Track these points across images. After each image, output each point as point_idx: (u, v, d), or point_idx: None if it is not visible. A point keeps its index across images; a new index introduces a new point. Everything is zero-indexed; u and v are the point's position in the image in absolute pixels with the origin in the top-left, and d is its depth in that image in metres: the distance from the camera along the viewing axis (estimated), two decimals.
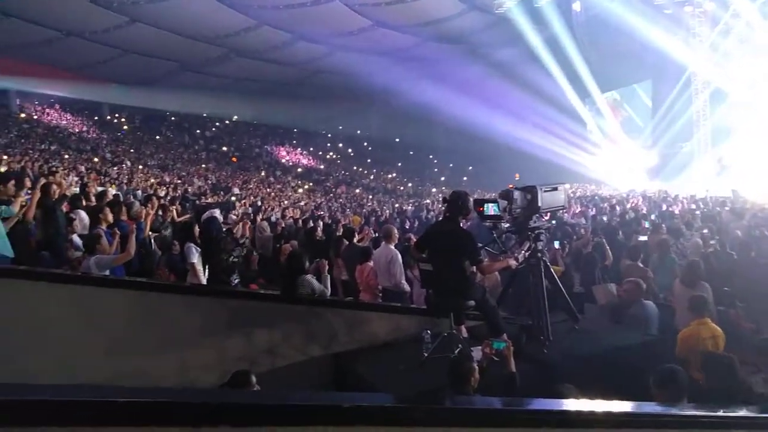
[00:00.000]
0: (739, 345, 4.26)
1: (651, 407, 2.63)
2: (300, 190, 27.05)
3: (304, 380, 4.21)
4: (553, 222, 9.59)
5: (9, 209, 4.96)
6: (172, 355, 3.96)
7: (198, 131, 35.47)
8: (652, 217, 10.04)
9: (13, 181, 5.64)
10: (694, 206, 11.54)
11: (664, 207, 11.90)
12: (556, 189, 4.85)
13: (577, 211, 12.12)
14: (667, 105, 22.53)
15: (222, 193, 19.68)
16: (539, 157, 25.29)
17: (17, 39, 21.86)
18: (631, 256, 6.29)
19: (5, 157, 16.16)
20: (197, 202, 13.88)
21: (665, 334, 4.57)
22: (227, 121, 37.49)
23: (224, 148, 33.91)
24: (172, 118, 35.11)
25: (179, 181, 20.83)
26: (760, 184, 17.18)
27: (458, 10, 23.36)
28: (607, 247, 6.75)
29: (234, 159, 32.49)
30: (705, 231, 8.11)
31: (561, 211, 9.13)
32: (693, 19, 20.39)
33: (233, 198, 16.73)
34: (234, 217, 8.57)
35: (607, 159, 26.10)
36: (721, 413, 2.75)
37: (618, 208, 12.30)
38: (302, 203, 20.33)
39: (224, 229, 6.84)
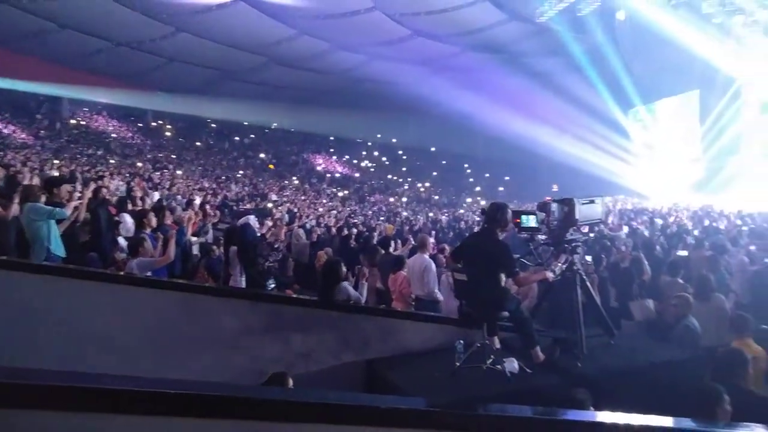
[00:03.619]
0: None
1: (687, 423, 2.58)
2: (335, 198, 27.35)
3: (337, 384, 4.28)
4: (591, 235, 9.44)
5: (62, 212, 5.22)
6: (211, 355, 4.09)
7: (237, 138, 36.35)
8: (696, 232, 9.74)
9: (66, 185, 5.92)
10: (740, 222, 11.12)
11: (707, 222, 11.52)
12: (593, 202, 4.80)
13: (616, 224, 11.88)
14: (714, 116, 21.82)
15: (259, 199, 20.11)
16: (579, 168, 24.86)
17: (70, 49, 22.98)
18: (672, 272, 6.13)
19: (56, 161, 16.97)
20: (235, 208, 14.22)
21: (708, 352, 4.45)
22: (266, 129, 38.32)
23: (262, 155, 34.62)
24: (213, 125, 36.09)
25: (217, 187, 21.39)
26: None
27: (499, 19, 23.27)
28: (645, 262, 6.59)
29: (271, 166, 33.11)
30: (752, 248, 7.85)
31: (600, 224, 9.02)
32: (744, 28, 19.75)
33: (270, 204, 17.06)
34: (269, 223, 8.77)
35: (649, 171, 25.44)
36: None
37: (659, 222, 11.97)
38: (336, 211, 20.54)
39: (259, 235, 7.00)
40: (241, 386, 2.06)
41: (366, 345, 4.51)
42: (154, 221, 6.25)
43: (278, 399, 1.27)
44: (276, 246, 8.02)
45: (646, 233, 10.03)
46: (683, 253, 7.05)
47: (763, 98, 19.87)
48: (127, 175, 17.61)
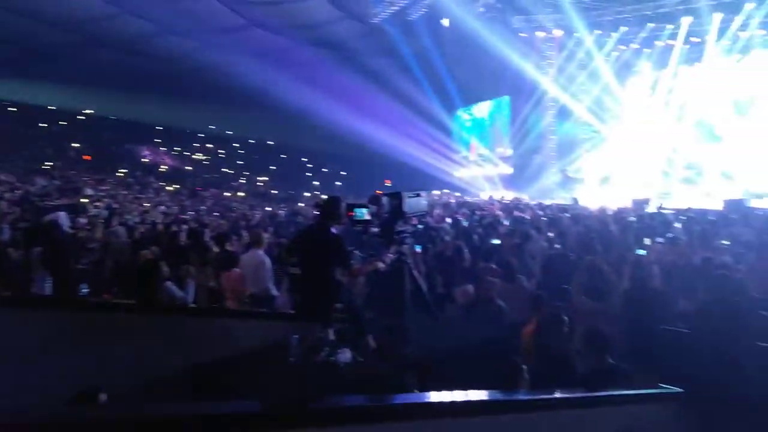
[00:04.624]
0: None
1: (497, 395, 2.90)
2: (163, 193, 25.43)
3: (162, 393, 3.98)
4: (420, 226, 10.08)
5: None
6: (5, 376, 3.52)
7: (44, 125, 31.75)
8: (507, 222, 10.95)
9: None
10: (541, 213, 12.78)
11: (516, 213, 13.04)
12: (419, 195, 5.13)
13: (440, 216, 12.84)
14: (522, 120, 24.76)
15: (71, 194, 17.84)
16: (409, 164, 26.36)
17: None
18: (487, 259, 6.81)
19: None
20: (40, 204, 12.47)
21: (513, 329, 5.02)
22: (79, 116, 33.95)
23: (76, 145, 30.73)
24: (11, 109, 31.04)
25: (16, 180, 18.53)
26: (597, 193, 19.69)
27: (333, 17, 23.57)
28: (466, 250, 7.23)
29: (87, 157, 29.60)
30: (550, 234, 9.06)
31: (426, 216, 9.66)
32: (543, 43, 22.69)
33: (84, 200, 15.25)
34: (83, 220, 7.83)
35: (470, 169, 28.02)
36: (557, 395, 3.13)
37: (477, 214, 13.25)
38: (164, 206, 19.11)
39: (72, 234, 6.23)
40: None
41: (194, 348, 4.26)
42: None
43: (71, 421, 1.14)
44: (91, 246, 7.21)
45: (466, 224, 11.00)
46: (496, 241, 7.88)
47: (559, 104, 23.08)
48: None
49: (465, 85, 26.02)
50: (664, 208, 12.27)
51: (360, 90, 26.65)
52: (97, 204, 14.99)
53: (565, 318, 4.05)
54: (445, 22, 25.45)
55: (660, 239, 7.42)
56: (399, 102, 26.10)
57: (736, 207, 12.02)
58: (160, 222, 12.27)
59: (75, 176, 24.26)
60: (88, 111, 33.74)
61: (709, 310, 4.68)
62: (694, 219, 9.94)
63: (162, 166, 32.36)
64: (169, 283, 4.49)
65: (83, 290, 5.35)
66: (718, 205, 13.56)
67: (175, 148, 36.28)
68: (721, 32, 18.79)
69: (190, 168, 34.55)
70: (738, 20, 18.22)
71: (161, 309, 4.27)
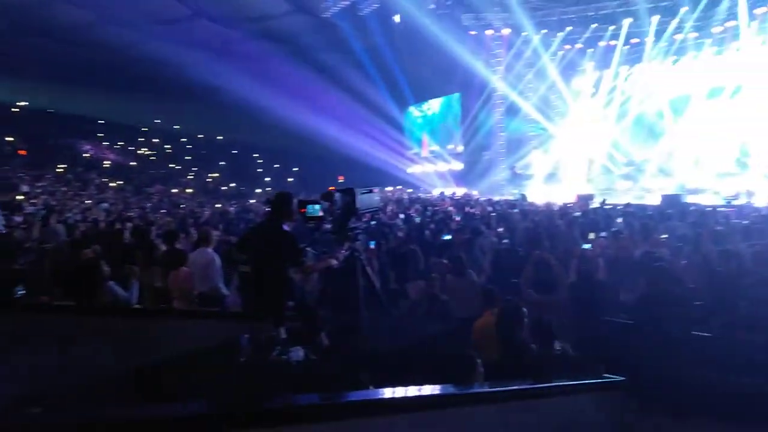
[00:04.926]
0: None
1: (448, 389, 2.94)
2: (106, 190, 24.41)
3: (104, 399, 3.81)
4: (373, 223, 10.09)
5: None
6: None
7: None
8: (458, 218, 11.11)
9: None
10: (490, 208, 13.03)
11: (467, 209, 13.24)
12: (371, 191, 5.13)
13: (393, 212, 12.90)
14: (472, 117, 25.16)
15: (5, 191, 16.86)
16: (362, 161, 26.34)
17: None
18: (439, 254, 6.89)
19: None
20: None
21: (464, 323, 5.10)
22: (13, 108, 32.03)
23: (9, 139, 29.03)
24: None
25: None
26: (544, 189, 20.29)
27: (283, 10, 23.23)
28: (418, 247, 7.29)
29: (22, 152, 28.02)
30: (500, 230, 9.25)
31: (379, 213, 9.68)
32: (493, 42, 23.12)
33: (20, 197, 14.46)
34: (18, 218, 7.41)
35: (422, 165, 28.26)
36: (509, 388, 3.20)
37: (429, 210, 13.38)
38: (107, 203, 18.36)
39: (7, 234, 5.88)
40: None
41: (140, 351, 4.10)
42: None
43: None
44: (27, 246, 6.84)
45: (418, 220, 11.09)
46: (448, 237, 7.97)
47: (508, 102, 23.58)
48: None
49: (416, 82, 26.20)
50: (607, 204, 12.74)
51: (312, 85, 26.43)
52: (34, 201, 14.22)
53: (524, 309, 4.14)
54: (397, 18, 25.56)
55: (603, 234, 7.71)
56: (351, 98, 26.04)
57: (672, 202, 12.62)
58: (102, 220, 11.77)
59: (9, 172, 22.92)
60: (22, 103, 31.90)
61: (647, 301, 4.91)
62: (634, 214, 10.37)
63: (105, 162, 30.98)
64: (111, 283, 4.29)
65: (19, 292, 5.06)
66: (656, 201, 14.22)
67: (118, 143, 34.83)
68: (659, 34, 19.71)
69: (135, 164, 33.26)
70: (674, 23, 19.14)
71: (103, 310, 4.08)
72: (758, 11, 17.26)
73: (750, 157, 16.00)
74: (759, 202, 12.34)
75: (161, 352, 4.13)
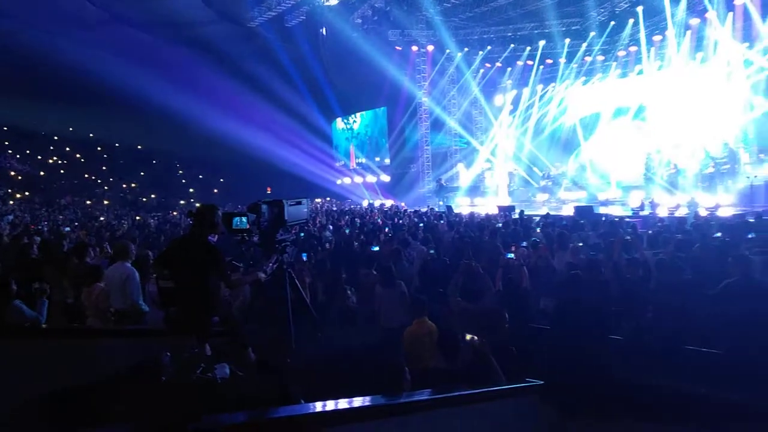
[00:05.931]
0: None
1: (378, 399, 2.96)
2: (12, 201, 22.58)
3: (15, 428, 3.51)
4: (302, 234, 10.00)
5: None
6: None
7: None
8: (386, 229, 11.23)
9: None
10: (417, 219, 13.29)
11: (396, 220, 13.43)
12: (300, 203, 5.09)
13: (322, 224, 12.85)
14: (399, 130, 25.64)
15: None
16: (290, 172, 26.08)
17: None
18: (368, 265, 6.94)
19: None
20: None
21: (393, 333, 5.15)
22: None
23: None
24: None
25: None
26: (467, 201, 20.99)
27: (207, 17, 22.64)
28: (346, 258, 7.32)
29: None
30: (427, 244, 9.43)
31: (307, 224, 9.62)
32: (418, 57, 23.74)
33: None
34: None
35: (351, 177, 28.40)
36: (435, 396, 3.27)
37: (358, 221, 13.45)
38: (13, 216, 16.98)
39: None
40: None
41: (51, 374, 3.82)
42: None
43: None
44: None
45: (347, 231, 11.12)
46: (376, 248, 8.05)
47: (433, 116, 24.26)
48: None
49: (344, 95, 26.37)
50: (526, 215, 13.33)
51: (239, 95, 25.93)
52: None
53: (506, 315, 4.22)
54: (324, 30, 25.62)
55: (524, 243, 8.06)
56: (279, 109, 25.79)
57: (584, 213, 13.40)
58: (7, 234, 10.88)
59: None
60: None
61: (565, 308, 5.18)
62: (551, 224, 10.92)
63: (11, 172, 28.65)
64: (17, 302, 3.98)
65: None
66: (570, 212, 15.05)
67: (26, 152, 32.35)
68: (570, 56, 21.08)
69: (44, 173, 31.01)
70: (583, 46, 20.55)
71: (9, 331, 3.77)
72: (656, 38, 18.91)
73: (653, 170, 17.35)
74: (662, 212, 13.38)
75: (76, 374, 3.88)
